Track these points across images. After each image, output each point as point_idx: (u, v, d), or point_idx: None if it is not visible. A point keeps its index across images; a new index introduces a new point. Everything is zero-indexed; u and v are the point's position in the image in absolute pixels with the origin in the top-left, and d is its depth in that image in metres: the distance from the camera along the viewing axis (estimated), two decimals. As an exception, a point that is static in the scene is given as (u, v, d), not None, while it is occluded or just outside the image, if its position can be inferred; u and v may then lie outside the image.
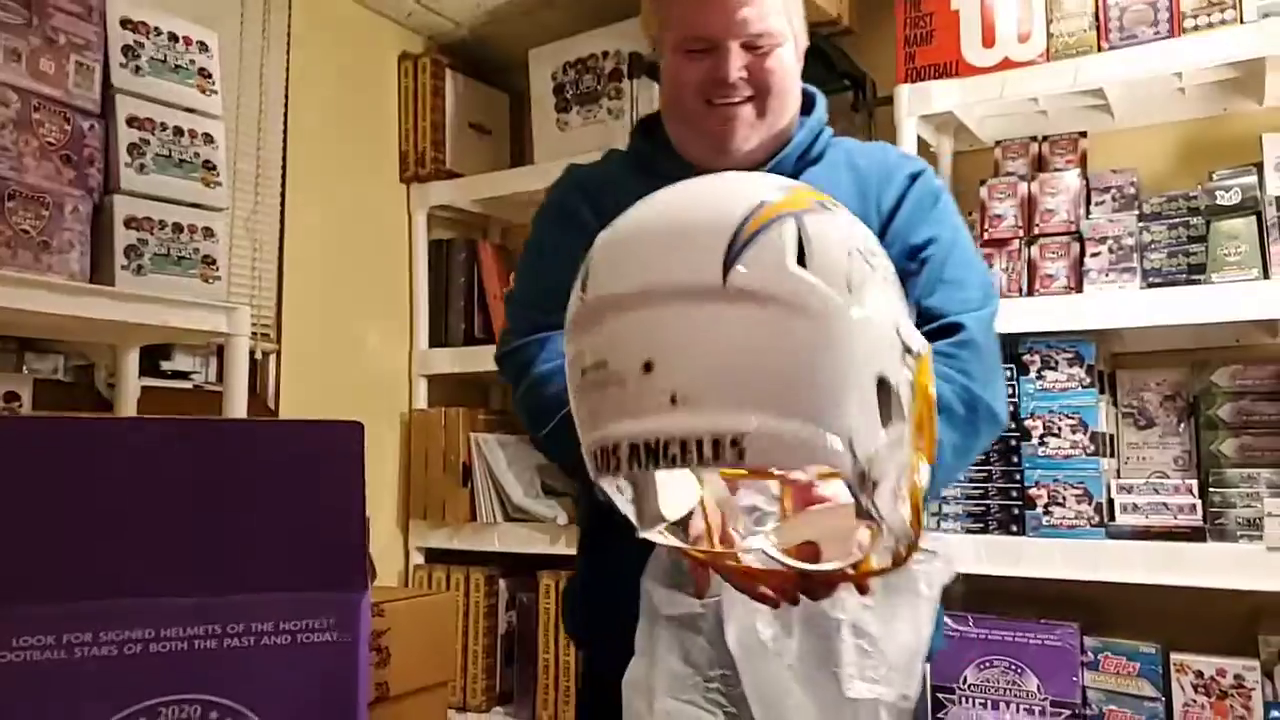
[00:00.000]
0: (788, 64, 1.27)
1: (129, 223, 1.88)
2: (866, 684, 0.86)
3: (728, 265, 0.71)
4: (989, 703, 2.13)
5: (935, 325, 1.19)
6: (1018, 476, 2.12)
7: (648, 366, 0.71)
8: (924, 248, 1.25)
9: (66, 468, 0.64)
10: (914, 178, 1.33)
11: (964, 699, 2.15)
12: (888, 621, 0.88)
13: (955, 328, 1.20)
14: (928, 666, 0.94)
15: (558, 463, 1.22)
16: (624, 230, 0.79)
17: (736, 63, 1.22)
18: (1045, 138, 2.31)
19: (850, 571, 0.80)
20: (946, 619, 2.17)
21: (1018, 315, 2.10)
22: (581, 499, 1.40)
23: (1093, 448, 2.06)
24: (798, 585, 0.83)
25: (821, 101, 1.37)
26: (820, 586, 0.83)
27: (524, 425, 1.26)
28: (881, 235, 1.22)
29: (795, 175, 1.25)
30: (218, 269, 2.04)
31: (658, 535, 0.84)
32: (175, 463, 0.67)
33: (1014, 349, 2.16)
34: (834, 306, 0.72)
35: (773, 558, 0.83)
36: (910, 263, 1.24)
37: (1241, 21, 1.98)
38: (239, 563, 0.66)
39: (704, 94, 1.25)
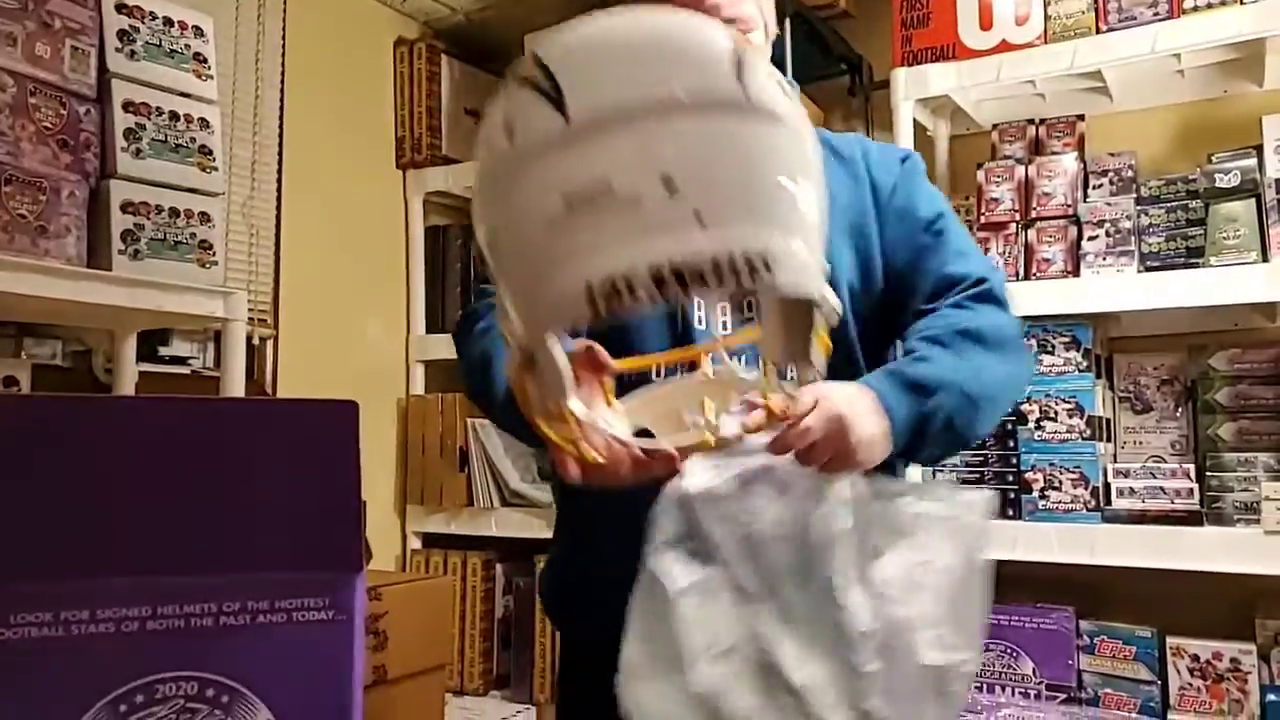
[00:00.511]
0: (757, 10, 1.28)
1: (125, 207, 1.87)
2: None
3: (741, 81, 0.67)
4: (985, 686, 2.13)
5: (966, 285, 1.25)
6: (1014, 460, 2.12)
7: (669, 184, 0.65)
8: (935, 221, 1.30)
9: (64, 447, 0.64)
10: (904, 159, 1.37)
11: (961, 682, 2.15)
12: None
13: (981, 280, 1.26)
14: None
15: (504, 421, 1.16)
16: (599, 41, 0.70)
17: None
18: (1043, 121, 2.31)
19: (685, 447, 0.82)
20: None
21: (1014, 299, 2.09)
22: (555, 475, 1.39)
23: (1089, 432, 2.06)
24: (640, 463, 0.84)
25: (795, 89, 1.37)
26: (660, 463, 0.84)
27: (470, 389, 1.23)
28: (880, 213, 1.29)
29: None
30: (214, 254, 2.04)
31: (541, 422, 0.82)
32: (172, 442, 0.67)
33: (1011, 333, 2.16)
34: (811, 133, 0.71)
35: (616, 438, 0.83)
36: (925, 235, 1.28)
37: (1241, 2, 1.98)
38: (235, 541, 0.66)
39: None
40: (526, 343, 0.73)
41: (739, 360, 0.96)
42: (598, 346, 0.93)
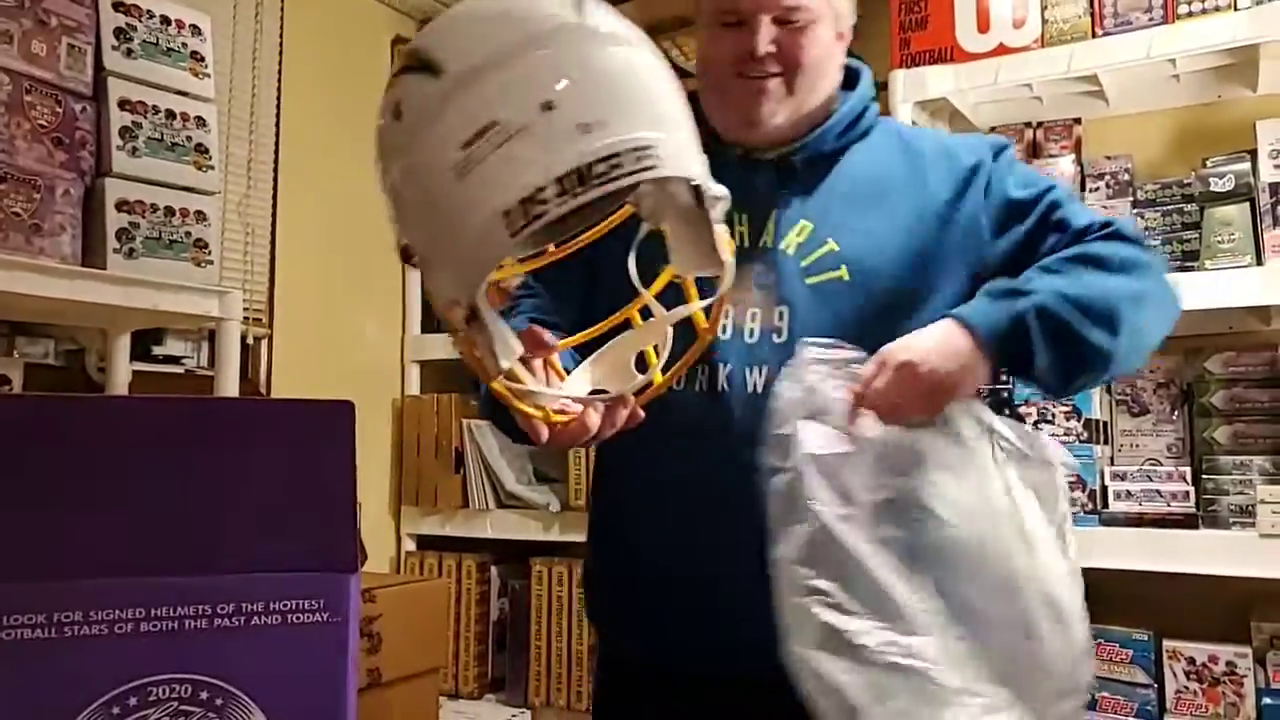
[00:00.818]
0: (822, 41, 1.26)
1: (121, 206, 1.87)
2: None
3: (581, 14, 0.77)
4: (981, 689, 2.13)
5: (1093, 230, 1.21)
6: (1011, 463, 2.12)
7: (548, 106, 0.72)
8: (1042, 195, 1.25)
9: (58, 447, 0.64)
10: (998, 153, 1.31)
11: (956, 685, 2.15)
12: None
13: (1107, 224, 1.22)
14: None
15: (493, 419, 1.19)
16: (462, 15, 0.79)
17: (766, 36, 1.21)
18: (1040, 124, 2.31)
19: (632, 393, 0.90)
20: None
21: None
22: (594, 480, 1.39)
23: (1086, 435, 2.07)
24: (601, 414, 0.91)
25: (867, 76, 1.35)
26: (617, 409, 0.91)
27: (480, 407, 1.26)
28: (951, 214, 1.24)
29: (840, 151, 1.26)
30: (210, 253, 2.03)
31: (499, 381, 0.85)
32: (166, 442, 0.66)
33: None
34: (653, 48, 0.82)
35: (570, 396, 0.89)
36: (1034, 212, 1.24)
37: (1235, 8, 1.98)
38: (229, 542, 0.66)
39: (734, 66, 1.24)
40: (465, 301, 0.76)
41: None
42: (536, 326, 0.95)
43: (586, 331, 0.98)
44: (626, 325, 0.97)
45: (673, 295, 0.93)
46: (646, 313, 0.96)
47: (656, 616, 1.24)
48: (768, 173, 1.24)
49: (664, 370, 0.91)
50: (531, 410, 0.87)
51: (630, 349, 0.93)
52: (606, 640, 1.40)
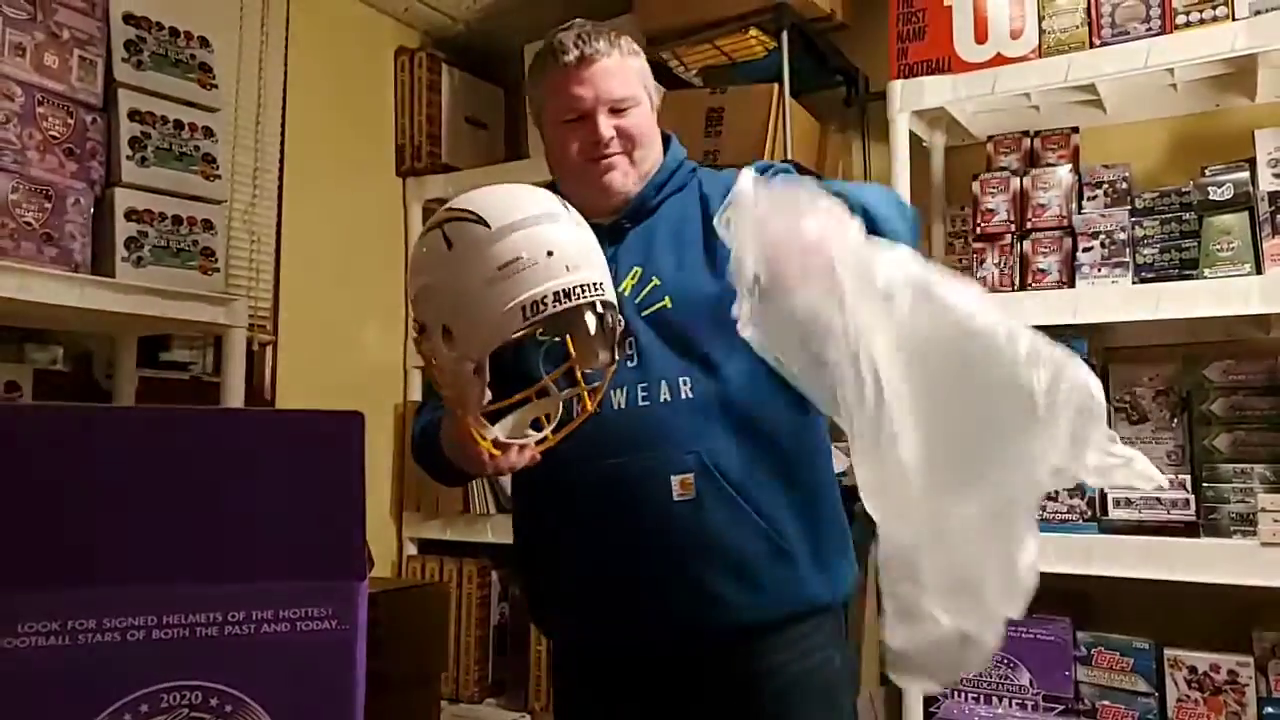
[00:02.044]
0: (647, 117, 1.53)
1: (130, 215, 1.89)
2: None
3: (568, 209, 1.24)
4: (981, 697, 2.14)
5: None
6: (1010, 470, 2.13)
7: (549, 253, 1.17)
8: None
9: (71, 457, 0.65)
10: (759, 171, 1.49)
11: (956, 693, 2.16)
12: None
13: None
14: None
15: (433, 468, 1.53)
16: (493, 194, 1.24)
17: (607, 124, 1.48)
18: (1037, 133, 2.32)
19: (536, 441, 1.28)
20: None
21: (1009, 310, 2.10)
22: (514, 495, 1.63)
23: (1085, 442, 2.07)
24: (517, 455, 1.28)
25: (675, 141, 1.62)
26: (526, 453, 1.28)
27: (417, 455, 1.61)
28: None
29: (659, 205, 1.53)
30: (216, 261, 2.05)
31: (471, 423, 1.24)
32: (177, 452, 0.68)
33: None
34: (584, 225, 1.27)
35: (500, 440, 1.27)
36: None
37: (1233, 18, 1.99)
38: (240, 551, 0.67)
39: (584, 155, 1.50)
40: (476, 357, 1.20)
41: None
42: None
43: (508, 399, 1.30)
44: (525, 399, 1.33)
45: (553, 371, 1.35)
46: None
47: (577, 612, 1.49)
48: (606, 236, 1.43)
49: (555, 431, 1.29)
50: (485, 442, 1.25)
51: (532, 414, 1.32)
52: (548, 635, 1.68)
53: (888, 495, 0.99)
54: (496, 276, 1.16)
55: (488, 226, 1.19)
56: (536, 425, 1.32)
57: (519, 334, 1.21)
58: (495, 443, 1.26)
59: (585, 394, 1.30)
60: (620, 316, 1.27)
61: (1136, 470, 1.01)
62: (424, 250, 1.25)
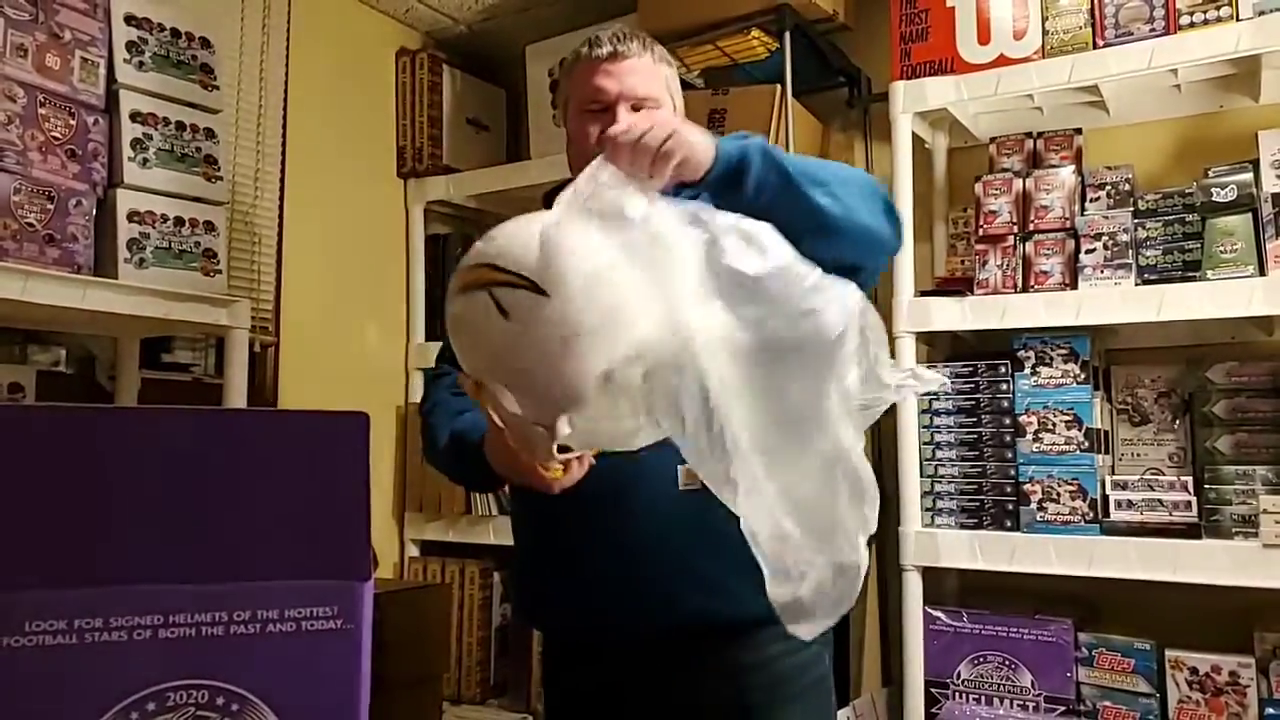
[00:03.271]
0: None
1: (132, 216, 1.89)
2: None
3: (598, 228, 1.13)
4: (983, 698, 2.14)
5: None
6: (1012, 472, 2.13)
7: (603, 316, 1.07)
8: None
9: (78, 457, 0.65)
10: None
11: (957, 694, 2.16)
12: None
13: None
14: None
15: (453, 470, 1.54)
16: (537, 248, 1.12)
17: (626, 118, 1.47)
18: (1040, 134, 2.32)
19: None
20: (940, 614, 2.18)
21: (1013, 311, 2.11)
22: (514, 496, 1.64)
23: (1087, 444, 2.07)
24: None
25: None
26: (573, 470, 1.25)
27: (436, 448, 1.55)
28: None
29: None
30: (218, 262, 2.05)
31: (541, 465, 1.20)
32: (184, 452, 0.68)
33: (1009, 344, 2.17)
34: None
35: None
36: None
37: (1237, 18, 1.99)
38: (246, 551, 0.67)
39: (602, 144, 1.47)
40: (549, 422, 1.11)
41: None
42: None
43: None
44: None
45: None
46: None
47: (578, 600, 1.49)
48: None
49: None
50: (555, 470, 1.22)
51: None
52: (540, 627, 1.71)
53: (737, 480, 1.04)
54: (564, 348, 1.09)
55: (545, 295, 1.09)
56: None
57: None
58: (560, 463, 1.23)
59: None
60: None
61: (925, 378, 1.10)
62: (473, 315, 1.15)
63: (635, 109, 1.50)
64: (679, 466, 1.37)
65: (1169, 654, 2.01)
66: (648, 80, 1.53)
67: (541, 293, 1.09)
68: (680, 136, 1.22)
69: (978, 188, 2.28)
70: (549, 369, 1.10)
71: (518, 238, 1.16)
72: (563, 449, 1.20)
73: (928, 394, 2.23)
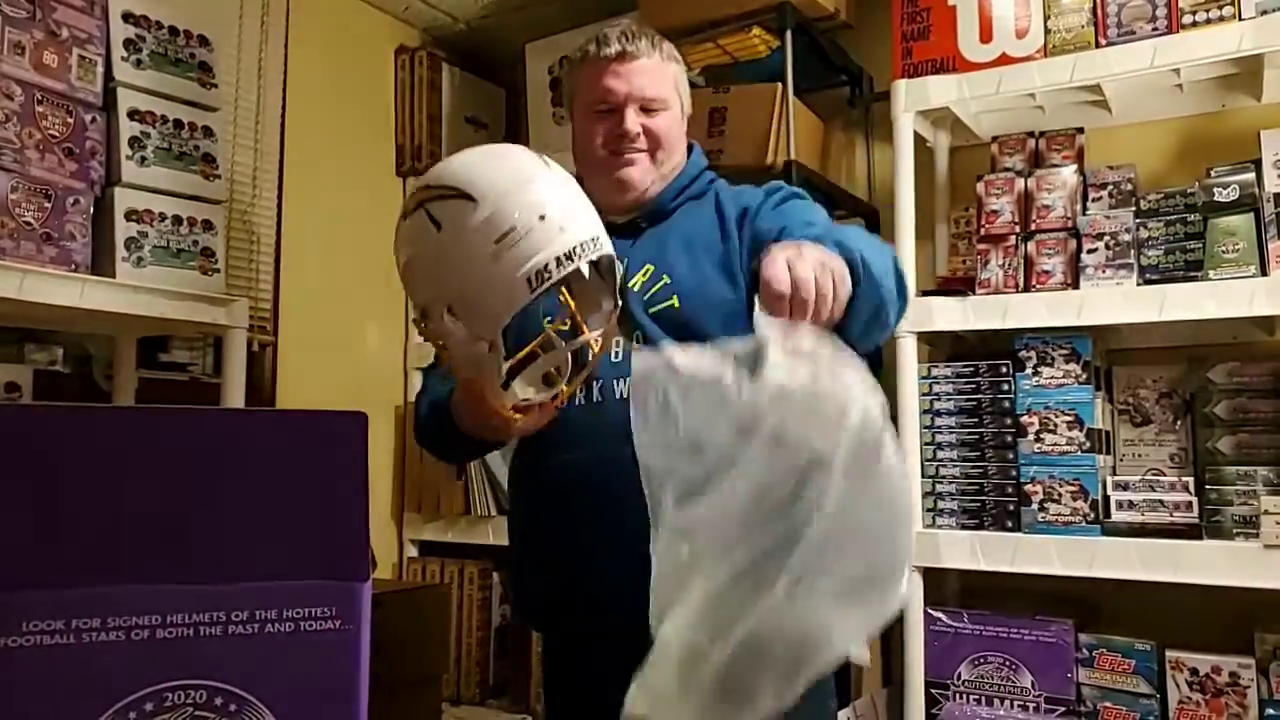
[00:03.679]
0: (675, 124, 1.58)
1: (129, 215, 1.88)
2: None
3: (549, 166, 1.22)
4: (983, 699, 2.14)
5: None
6: (1013, 472, 2.13)
7: (543, 217, 1.15)
8: (783, 231, 1.43)
9: (76, 456, 0.65)
10: (769, 194, 1.56)
11: (958, 695, 2.16)
12: None
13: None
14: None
15: (439, 448, 1.63)
16: (474, 162, 1.22)
17: (634, 120, 1.52)
18: (1042, 133, 2.32)
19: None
20: (941, 615, 2.18)
21: (1014, 311, 2.11)
22: (509, 488, 1.65)
23: (1089, 444, 2.07)
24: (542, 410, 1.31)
25: (698, 150, 1.67)
26: (547, 410, 1.31)
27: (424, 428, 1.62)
28: (729, 252, 1.52)
29: (675, 209, 1.57)
30: (216, 261, 2.05)
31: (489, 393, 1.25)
32: (181, 452, 0.67)
33: (1010, 345, 2.17)
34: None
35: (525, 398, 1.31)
36: (772, 237, 1.44)
37: (1239, 18, 1.99)
38: (244, 551, 0.67)
39: (610, 145, 1.54)
40: (490, 336, 1.18)
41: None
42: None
43: (516, 356, 1.32)
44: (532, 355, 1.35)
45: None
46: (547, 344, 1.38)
47: (577, 598, 1.49)
48: (621, 232, 1.51)
49: (568, 383, 1.33)
50: (507, 410, 1.26)
51: (543, 369, 1.34)
52: (535, 623, 1.70)
53: (702, 618, 1.06)
54: (494, 251, 1.14)
55: (473, 201, 1.16)
56: (548, 379, 1.33)
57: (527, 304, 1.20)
58: (516, 407, 1.26)
59: (592, 341, 1.30)
60: (617, 260, 1.27)
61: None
62: (410, 233, 1.23)
63: (644, 110, 1.53)
64: None
65: (1169, 655, 2.01)
66: (656, 80, 1.54)
67: (469, 199, 1.16)
68: (835, 264, 1.15)
69: (979, 187, 2.27)
70: (481, 276, 1.15)
71: (454, 161, 1.25)
72: (524, 406, 1.27)
73: (928, 394, 2.23)
